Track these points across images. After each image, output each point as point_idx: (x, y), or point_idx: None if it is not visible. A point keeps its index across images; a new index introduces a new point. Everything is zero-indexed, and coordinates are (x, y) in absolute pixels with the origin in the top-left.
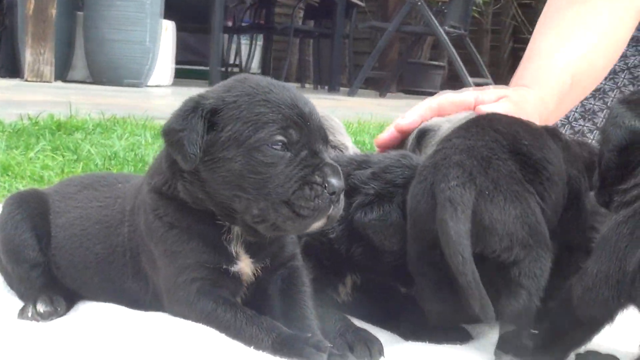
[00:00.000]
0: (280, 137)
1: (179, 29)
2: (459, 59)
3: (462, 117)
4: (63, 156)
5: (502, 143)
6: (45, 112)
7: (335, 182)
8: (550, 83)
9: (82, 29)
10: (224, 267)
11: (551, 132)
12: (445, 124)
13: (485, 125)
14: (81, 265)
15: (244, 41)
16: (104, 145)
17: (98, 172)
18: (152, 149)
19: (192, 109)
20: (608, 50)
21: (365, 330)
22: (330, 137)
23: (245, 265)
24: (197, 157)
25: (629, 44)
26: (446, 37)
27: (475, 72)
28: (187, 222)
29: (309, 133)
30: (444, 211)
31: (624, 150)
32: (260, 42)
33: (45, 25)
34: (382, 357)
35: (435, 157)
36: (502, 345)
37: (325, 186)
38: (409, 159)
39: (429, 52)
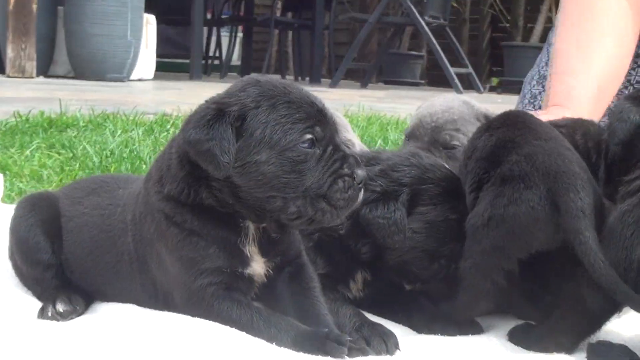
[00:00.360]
0: (309, 136)
1: (159, 21)
2: (439, 49)
3: None
4: (59, 154)
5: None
6: (34, 109)
7: (360, 172)
8: (582, 99)
9: (63, 24)
10: (240, 270)
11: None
12: None
13: (534, 127)
14: (92, 271)
15: (224, 33)
16: (98, 142)
17: (102, 176)
18: (146, 145)
19: (216, 116)
20: (624, 53)
21: (380, 325)
22: None
23: (258, 267)
24: (231, 165)
25: None
26: (427, 28)
27: (454, 62)
28: (207, 228)
29: (330, 128)
30: (577, 222)
31: (629, 143)
32: (240, 34)
33: (27, 20)
34: (398, 350)
35: (532, 161)
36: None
37: (354, 177)
38: (418, 158)
39: (408, 42)
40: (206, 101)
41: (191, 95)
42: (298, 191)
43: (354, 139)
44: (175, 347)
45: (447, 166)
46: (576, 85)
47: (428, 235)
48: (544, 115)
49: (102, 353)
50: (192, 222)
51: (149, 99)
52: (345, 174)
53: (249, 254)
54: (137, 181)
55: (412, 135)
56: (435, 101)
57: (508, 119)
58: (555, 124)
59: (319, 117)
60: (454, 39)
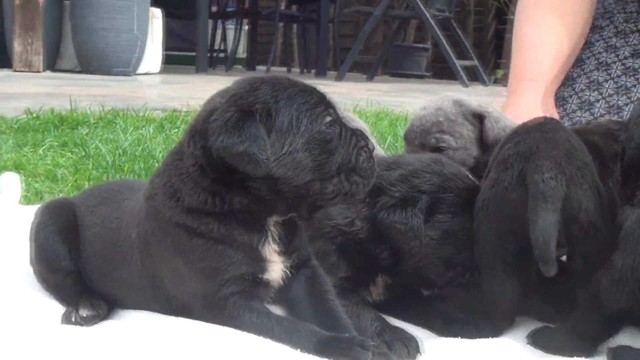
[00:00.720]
0: (329, 117)
1: (165, 15)
2: (445, 43)
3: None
4: (72, 153)
5: (575, 137)
6: (44, 105)
7: (370, 143)
8: (545, 72)
9: (69, 18)
10: (260, 276)
11: None
12: None
13: (554, 123)
14: (107, 283)
15: (230, 26)
16: (110, 140)
17: (114, 183)
18: (157, 143)
19: (244, 117)
20: (581, 25)
21: (401, 329)
22: None
23: (276, 269)
24: (269, 161)
25: (618, 36)
26: (432, 21)
27: (460, 54)
28: (233, 234)
29: (335, 107)
30: (536, 204)
31: None
32: (245, 27)
33: (34, 15)
34: (419, 354)
35: (518, 147)
36: (534, 340)
37: (369, 147)
38: (440, 165)
39: (413, 34)
40: (211, 109)
41: (198, 90)
42: (332, 170)
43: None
44: (201, 354)
45: (470, 176)
46: (538, 60)
47: (444, 244)
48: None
49: (127, 358)
50: (220, 229)
51: (157, 94)
52: (363, 145)
53: (268, 257)
54: (138, 192)
55: (405, 138)
56: (429, 104)
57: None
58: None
59: (326, 99)
60: (459, 32)
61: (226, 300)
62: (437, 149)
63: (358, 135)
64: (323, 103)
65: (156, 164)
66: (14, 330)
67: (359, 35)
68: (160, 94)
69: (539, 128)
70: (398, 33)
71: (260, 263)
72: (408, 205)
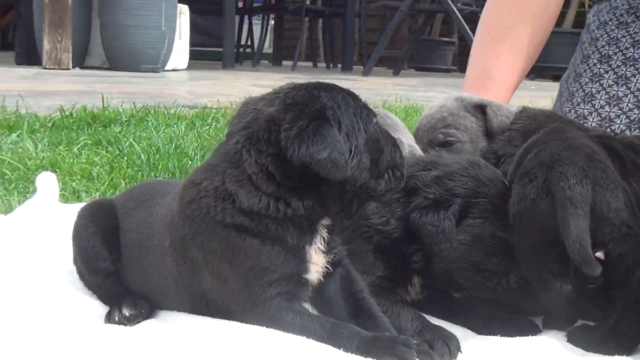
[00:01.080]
0: (374, 118)
1: (192, 11)
2: (472, 36)
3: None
4: (106, 151)
5: (592, 143)
6: (77, 103)
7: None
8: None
9: (98, 15)
10: (303, 276)
11: None
12: None
13: (572, 129)
14: (144, 287)
15: (256, 22)
16: (143, 138)
17: (150, 185)
18: (190, 141)
19: (321, 124)
20: (542, 31)
21: (442, 328)
22: (393, 134)
23: (316, 269)
24: (348, 164)
25: (620, 28)
26: (460, 15)
27: None
28: (286, 236)
29: None
30: (565, 211)
31: None
32: (271, 23)
33: (62, 13)
34: (460, 353)
35: (539, 157)
36: (574, 338)
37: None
38: (476, 169)
39: (439, 28)
40: (268, 118)
41: (227, 86)
42: (383, 168)
43: (403, 139)
44: (245, 354)
45: (505, 180)
46: (496, 64)
47: (474, 248)
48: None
49: (174, 355)
50: (276, 230)
51: (186, 91)
52: (395, 142)
53: (314, 257)
54: (168, 197)
55: (414, 137)
56: (434, 103)
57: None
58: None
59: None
60: None
61: (270, 301)
62: (445, 144)
63: (389, 133)
64: (367, 105)
65: (189, 162)
66: (58, 329)
67: (385, 29)
68: (189, 90)
69: (558, 136)
70: (424, 27)
71: (305, 264)
72: (441, 207)
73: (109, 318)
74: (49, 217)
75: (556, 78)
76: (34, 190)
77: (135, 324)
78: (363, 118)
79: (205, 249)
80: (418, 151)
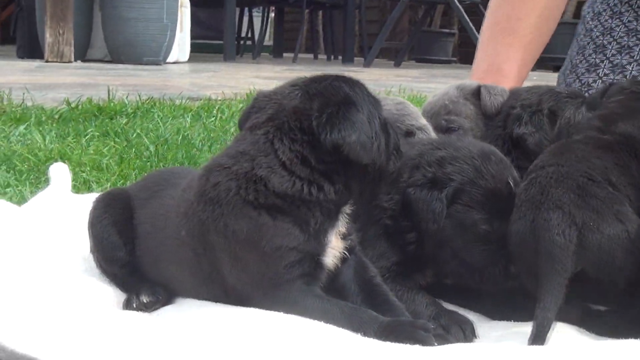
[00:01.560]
0: (380, 104)
1: (192, 4)
2: (473, 28)
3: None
4: (114, 142)
5: (595, 163)
6: (82, 95)
7: None
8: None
9: (99, 8)
10: (321, 259)
11: None
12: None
13: (574, 147)
14: (163, 276)
15: (256, 14)
16: (150, 129)
17: (162, 174)
18: (197, 132)
19: (350, 110)
20: (551, 20)
21: (457, 312)
22: (412, 122)
23: (333, 255)
24: (374, 147)
25: (613, 18)
26: (460, 7)
27: None
28: (313, 218)
29: None
30: (545, 263)
31: None
32: (272, 15)
33: (64, 6)
34: (475, 338)
35: (530, 189)
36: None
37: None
38: (483, 161)
39: (439, 19)
40: (294, 109)
41: (229, 78)
42: (391, 149)
43: (429, 125)
44: (267, 338)
45: (511, 184)
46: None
47: (455, 235)
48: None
49: (194, 341)
50: (306, 213)
51: (189, 83)
52: (392, 124)
53: (334, 241)
54: (178, 187)
55: None
56: (437, 92)
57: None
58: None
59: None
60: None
61: (292, 283)
62: (448, 130)
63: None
64: (373, 93)
65: (197, 153)
66: (79, 316)
67: (385, 21)
68: (192, 82)
69: (555, 160)
70: (424, 18)
71: (324, 246)
72: (435, 188)
73: (127, 305)
74: (63, 207)
75: (557, 69)
76: (46, 181)
77: (154, 310)
78: (375, 104)
79: (228, 231)
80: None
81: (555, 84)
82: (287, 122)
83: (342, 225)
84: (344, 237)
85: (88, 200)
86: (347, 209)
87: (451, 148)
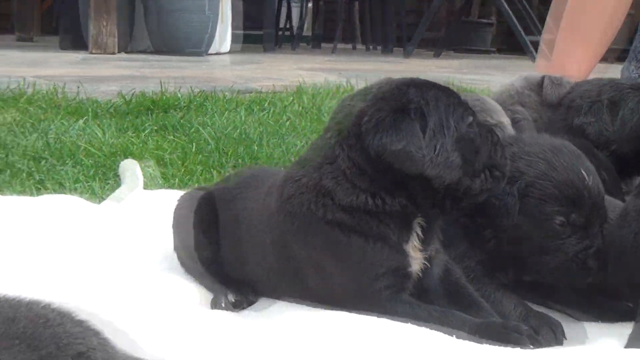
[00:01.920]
0: (471, 117)
1: None
2: (513, 17)
3: None
4: (174, 136)
5: None
6: (132, 88)
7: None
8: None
9: (142, 0)
10: (407, 269)
11: None
12: None
13: None
14: (247, 277)
15: (295, 4)
16: (207, 124)
17: (244, 173)
18: (253, 127)
19: (400, 117)
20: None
21: (545, 314)
22: (488, 118)
23: (416, 263)
24: (425, 159)
25: None
26: None
27: (526, 29)
28: (387, 232)
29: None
30: None
31: None
32: (310, 5)
33: None
34: (565, 339)
35: (638, 199)
36: None
37: (501, 143)
38: (556, 155)
39: (477, 9)
40: (358, 112)
41: (273, 70)
42: (478, 168)
43: (507, 121)
44: (359, 340)
45: (585, 175)
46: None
47: (529, 229)
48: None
49: (285, 341)
50: (378, 227)
51: (234, 75)
52: (497, 141)
53: (412, 253)
54: (259, 191)
55: None
56: (505, 82)
57: None
58: None
59: (462, 99)
60: (526, 5)
61: (379, 293)
62: (513, 120)
63: (492, 132)
64: (463, 104)
65: (256, 147)
66: (166, 316)
67: (423, 11)
68: (238, 75)
69: None
70: (463, 8)
71: (406, 259)
72: (507, 182)
73: (215, 304)
74: (139, 205)
75: (618, 60)
76: (114, 177)
77: (241, 309)
78: (456, 116)
79: (308, 246)
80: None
81: (619, 76)
82: (348, 126)
83: (416, 237)
84: (424, 249)
85: (160, 197)
86: (419, 220)
87: (522, 143)
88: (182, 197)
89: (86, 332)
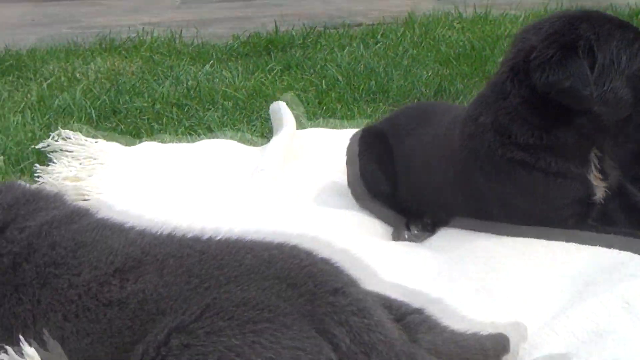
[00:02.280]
0: None
1: None
2: None
3: None
4: (302, 76)
5: None
6: (243, 30)
7: None
8: None
9: None
10: (590, 197)
11: None
12: None
13: None
14: (426, 210)
15: None
16: (327, 60)
17: (410, 109)
18: (373, 59)
19: (567, 54)
20: None
21: None
22: None
23: (599, 192)
24: (592, 96)
25: None
26: None
27: None
28: (565, 167)
29: None
30: None
31: None
32: None
33: None
34: None
35: None
36: None
37: None
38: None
39: None
40: (528, 48)
41: (372, 1)
42: None
43: None
44: (550, 262)
45: None
46: None
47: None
48: None
49: (479, 269)
50: (556, 163)
51: (335, 8)
52: None
53: (594, 182)
54: (432, 129)
55: None
56: None
57: None
58: None
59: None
60: None
61: (565, 222)
62: None
63: None
64: (638, 38)
65: (384, 80)
66: (358, 247)
67: None
68: (338, 7)
69: None
70: None
71: (589, 188)
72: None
73: (398, 236)
74: (301, 144)
75: None
76: (257, 118)
77: (423, 240)
78: (628, 53)
79: (492, 182)
80: None
81: None
82: (519, 62)
83: (594, 169)
84: (604, 178)
85: (315, 137)
86: (596, 152)
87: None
88: (354, 135)
89: (336, 269)
